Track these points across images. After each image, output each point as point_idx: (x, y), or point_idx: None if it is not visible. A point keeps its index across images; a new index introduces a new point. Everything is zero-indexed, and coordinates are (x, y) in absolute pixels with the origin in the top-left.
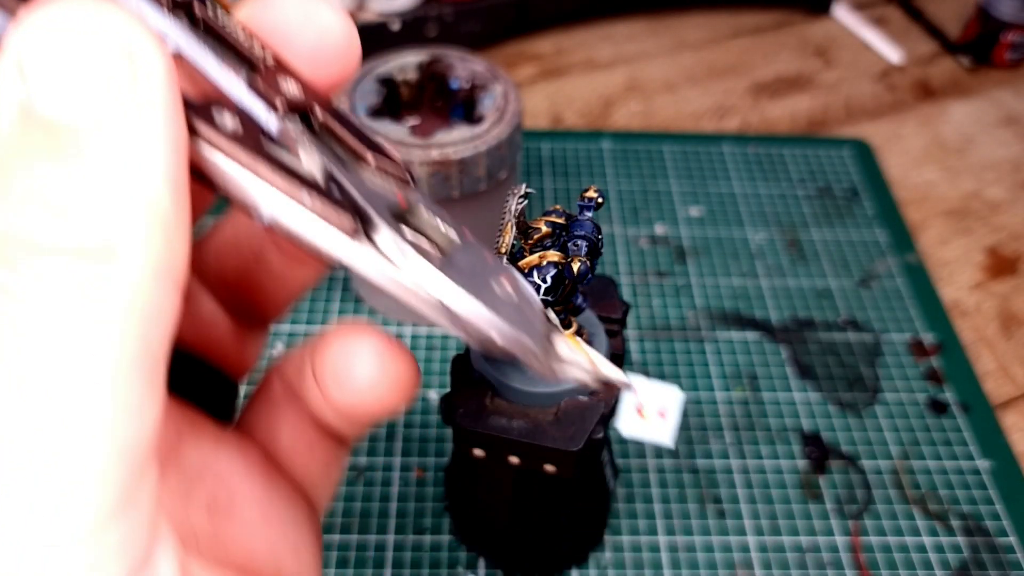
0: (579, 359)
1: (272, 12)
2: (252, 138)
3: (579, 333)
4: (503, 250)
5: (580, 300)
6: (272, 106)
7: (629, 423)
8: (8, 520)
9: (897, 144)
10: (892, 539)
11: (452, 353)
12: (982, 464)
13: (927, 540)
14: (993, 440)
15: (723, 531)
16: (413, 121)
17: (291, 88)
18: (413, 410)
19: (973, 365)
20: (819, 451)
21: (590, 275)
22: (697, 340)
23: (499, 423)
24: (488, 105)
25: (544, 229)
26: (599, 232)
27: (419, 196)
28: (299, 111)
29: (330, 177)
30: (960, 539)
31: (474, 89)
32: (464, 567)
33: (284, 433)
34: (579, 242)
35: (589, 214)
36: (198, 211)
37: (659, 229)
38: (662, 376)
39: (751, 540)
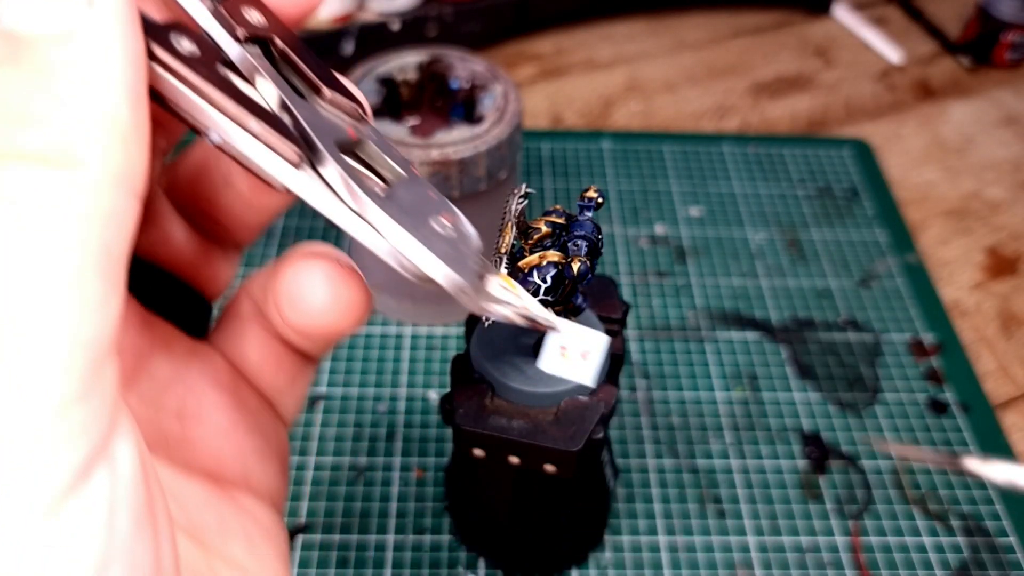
0: (510, 298)
1: None
2: (207, 62)
3: None
4: (503, 250)
5: (580, 300)
6: (233, 34)
7: (552, 362)
8: None
9: (897, 144)
10: (892, 539)
11: (452, 353)
12: None
13: (927, 540)
14: (993, 440)
15: (723, 531)
16: (413, 121)
17: (254, 17)
18: (413, 410)
19: (973, 365)
20: (819, 451)
21: (590, 275)
22: (697, 340)
23: (499, 423)
24: (488, 105)
25: (544, 229)
26: (599, 232)
27: (371, 131)
28: (260, 40)
29: (283, 106)
30: (960, 539)
31: (474, 89)
32: (464, 567)
33: (252, 348)
34: (579, 242)
35: (589, 214)
36: (173, 136)
37: (659, 229)
38: (662, 376)
39: (751, 540)
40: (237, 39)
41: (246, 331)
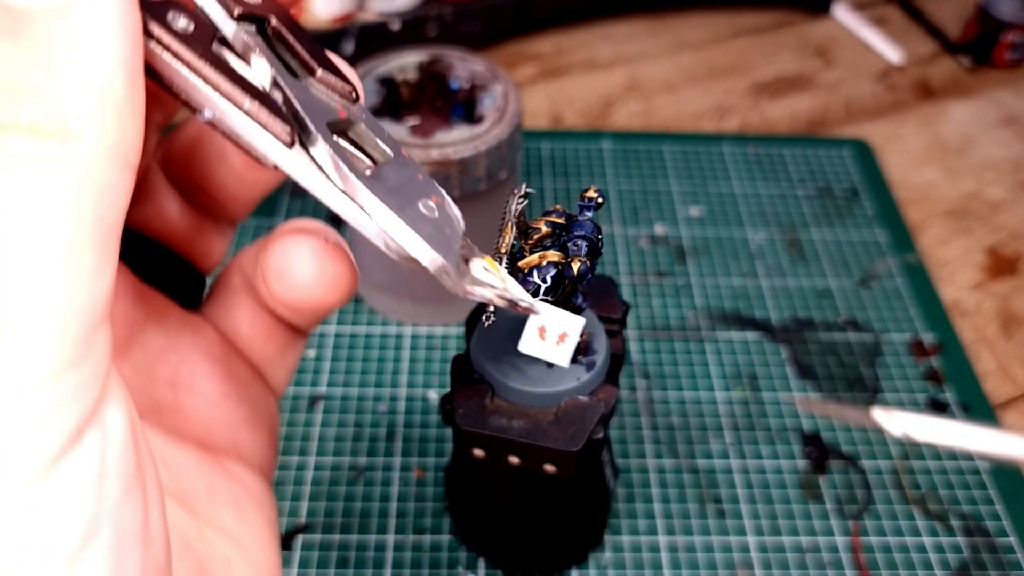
0: (492, 280)
1: None
2: (202, 40)
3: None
4: (503, 250)
5: (580, 300)
6: (229, 11)
7: (530, 343)
8: None
9: (897, 144)
10: (892, 539)
11: (452, 353)
12: (982, 464)
13: (927, 540)
14: None
15: (723, 531)
16: (413, 121)
17: None
18: (413, 410)
19: (973, 365)
20: (819, 451)
21: (590, 275)
22: (697, 340)
23: (499, 423)
24: (488, 105)
25: (544, 229)
26: (599, 232)
27: (362, 112)
28: (255, 18)
29: (276, 85)
30: (960, 539)
31: (474, 89)
32: (464, 567)
33: (243, 320)
34: (579, 242)
35: (589, 214)
36: (169, 111)
37: (659, 229)
38: (662, 376)
39: (751, 540)
40: (233, 17)
41: (237, 303)
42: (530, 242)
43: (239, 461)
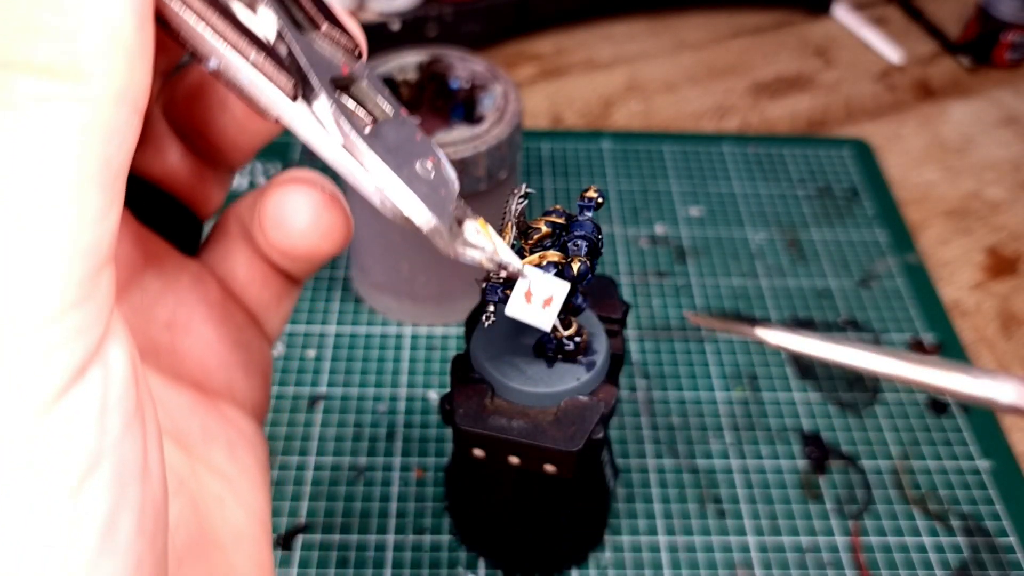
0: (483, 243)
1: None
2: None
3: (579, 333)
4: None
5: (580, 300)
6: None
7: (517, 306)
8: None
9: (897, 144)
10: (892, 539)
11: (452, 353)
12: (982, 464)
13: (927, 540)
14: (993, 440)
15: (723, 531)
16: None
17: None
18: (413, 410)
19: (973, 365)
20: (819, 451)
21: (590, 275)
22: (697, 340)
23: (499, 423)
24: (488, 105)
25: (544, 229)
26: (599, 232)
27: (365, 69)
28: None
29: (281, 38)
30: (960, 539)
31: (474, 89)
32: (464, 567)
33: (240, 266)
34: (579, 242)
35: (589, 214)
36: (174, 58)
37: (659, 229)
38: (662, 376)
39: (751, 540)
40: None
41: (234, 250)
42: (530, 242)
43: (233, 404)
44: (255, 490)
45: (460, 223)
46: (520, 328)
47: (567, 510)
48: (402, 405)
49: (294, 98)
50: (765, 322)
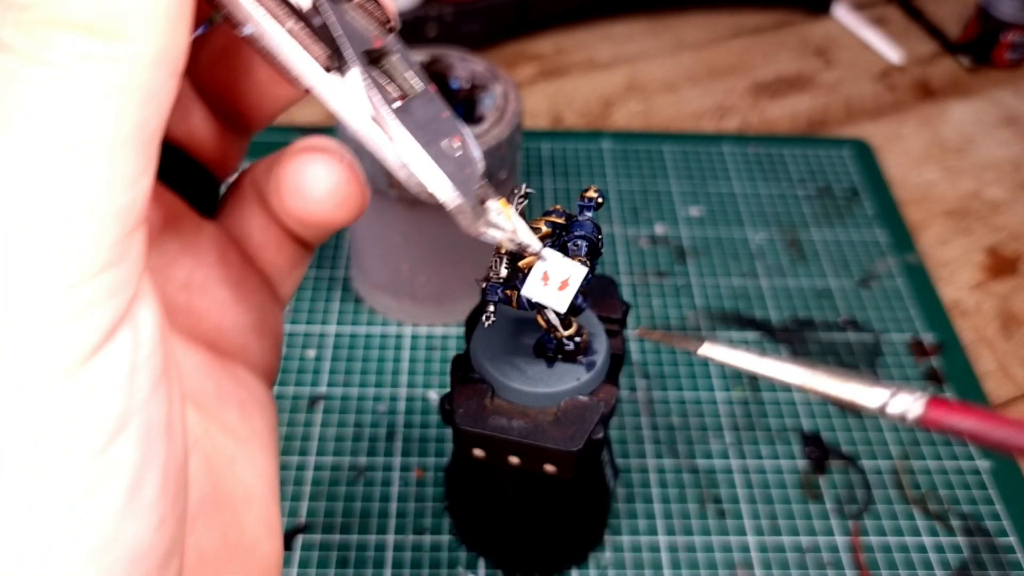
0: (504, 223)
1: None
2: None
3: (579, 334)
4: (503, 250)
5: (580, 300)
6: None
7: (534, 286)
8: (18, 265)
9: (897, 144)
10: (892, 539)
11: (452, 353)
12: (982, 464)
13: (927, 540)
14: None
15: (723, 531)
16: None
17: None
18: (413, 410)
19: (973, 365)
20: (819, 451)
21: (590, 275)
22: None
23: (499, 423)
24: (488, 105)
25: (544, 229)
26: (599, 232)
27: (396, 43)
28: None
29: (316, 9)
30: (960, 539)
31: (474, 89)
32: (464, 567)
33: (255, 230)
34: (579, 242)
35: (589, 214)
36: (201, 18)
37: (659, 229)
38: (662, 376)
39: (751, 540)
40: None
41: (249, 213)
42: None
43: (245, 366)
44: (265, 452)
45: (483, 202)
46: (520, 328)
47: (567, 510)
48: (402, 405)
49: (327, 69)
50: (711, 338)
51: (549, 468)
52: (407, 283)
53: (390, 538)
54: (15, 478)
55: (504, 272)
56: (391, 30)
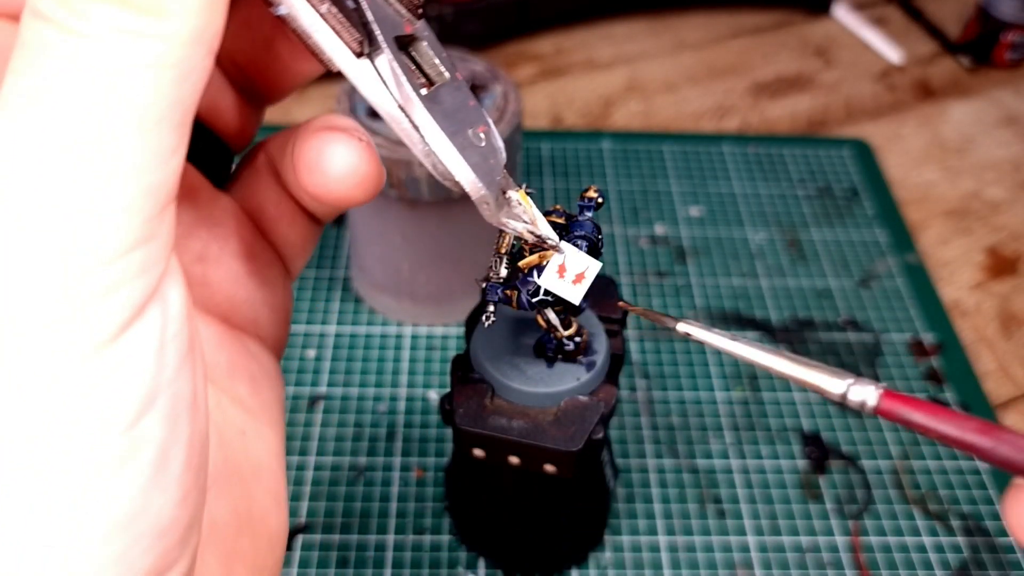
0: (523, 214)
1: None
2: None
3: (579, 334)
4: (503, 250)
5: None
6: None
7: (551, 278)
8: (54, 239)
9: (897, 144)
10: (892, 539)
11: (452, 353)
12: (982, 464)
13: (927, 540)
14: None
15: (723, 531)
16: None
17: None
18: (413, 410)
19: (973, 365)
20: (819, 451)
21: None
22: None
23: (499, 423)
24: (488, 105)
25: None
26: (599, 232)
27: (425, 30)
28: None
29: None
30: (960, 539)
31: (474, 89)
32: (464, 567)
33: (269, 204)
34: (579, 242)
35: (589, 214)
36: None
37: (659, 229)
38: (662, 376)
39: (751, 540)
40: None
41: (264, 187)
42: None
43: (256, 339)
44: (274, 425)
45: (504, 193)
46: (520, 328)
47: (567, 510)
48: (402, 405)
49: (359, 54)
50: (687, 319)
51: (549, 468)
52: (407, 283)
53: (390, 538)
54: (47, 451)
55: (504, 272)
56: (421, 16)
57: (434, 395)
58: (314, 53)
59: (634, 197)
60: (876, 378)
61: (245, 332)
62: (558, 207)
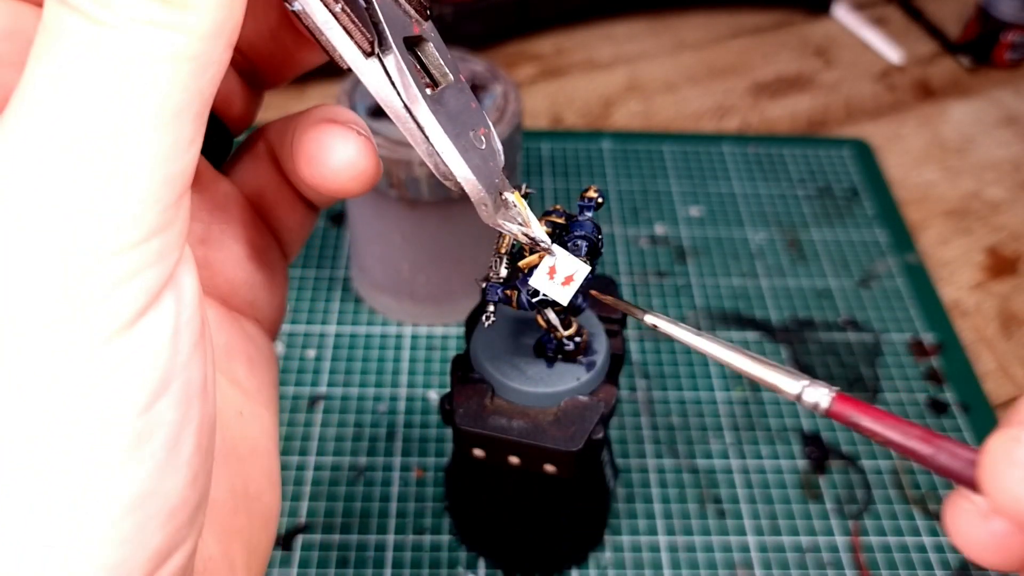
0: (518, 216)
1: None
2: None
3: (579, 334)
4: (503, 250)
5: (580, 300)
6: None
7: (541, 279)
8: (75, 227)
9: (897, 144)
10: (892, 539)
11: (452, 353)
12: None
13: (927, 540)
14: None
15: (723, 531)
16: None
17: None
18: (413, 410)
19: (973, 365)
20: (819, 451)
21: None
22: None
23: (499, 423)
24: (488, 105)
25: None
26: (599, 232)
27: (432, 31)
28: None
29: None
30: None
31: (474, 89)
32: (464, 567)
33: (268, 188)
34: (579, 242)
35: (589, 214)
36: None
37: (659, 229)
38: (662, 376)
39: (751, 540)
40: None
41: (263, 172)
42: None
43: (253, 321)
44: (269, 406)
45: (501, 194)
46: (520, 328)
47: (567, 510)
48: (402, 405)
49: (369, 54)
50: (653, 311)
51: (549, 468)
52: (407, 283)
53: (390, 538)
54: (47, 451)
55: (504, 272)
56: (428, 16)
57: (434, 395)
58: (324, 49)
59: (634, 197)
60: (877, 378)
61: (243, 314)
62: (558, 207)
